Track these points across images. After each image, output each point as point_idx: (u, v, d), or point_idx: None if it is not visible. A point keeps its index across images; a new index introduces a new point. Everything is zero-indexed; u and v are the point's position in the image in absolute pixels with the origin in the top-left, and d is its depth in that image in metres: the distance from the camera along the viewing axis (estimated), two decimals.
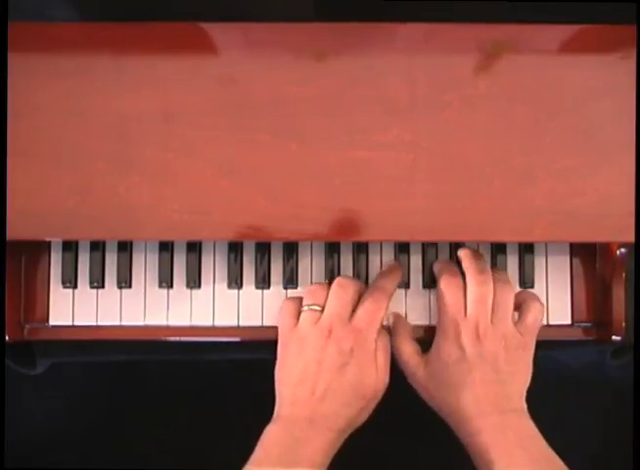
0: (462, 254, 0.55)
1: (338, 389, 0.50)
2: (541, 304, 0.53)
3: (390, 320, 0.56)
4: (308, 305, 0.53)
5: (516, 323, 0.52)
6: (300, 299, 0.54)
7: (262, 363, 0.56)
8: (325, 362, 0.50)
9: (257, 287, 0.57)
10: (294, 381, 0.50)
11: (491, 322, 0.51)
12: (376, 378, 0.51)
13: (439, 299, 0.53)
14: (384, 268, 0.57)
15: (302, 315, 0.53)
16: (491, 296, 0.52)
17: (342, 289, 0.52)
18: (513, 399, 0.50)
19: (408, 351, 0.53)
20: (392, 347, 0.54)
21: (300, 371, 0.50)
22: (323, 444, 0.48)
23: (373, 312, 0.52)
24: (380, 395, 0.52)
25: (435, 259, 0.57)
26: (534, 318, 0.53)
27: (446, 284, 0.53)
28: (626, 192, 0.50)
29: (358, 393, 0.50)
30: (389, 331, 0.55)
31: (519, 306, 0.53)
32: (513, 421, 0.49)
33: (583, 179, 0.51)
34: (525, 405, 0.50)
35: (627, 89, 0.51)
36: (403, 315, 0.56)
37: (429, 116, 0.51)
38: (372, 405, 0.51)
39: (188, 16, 0.52)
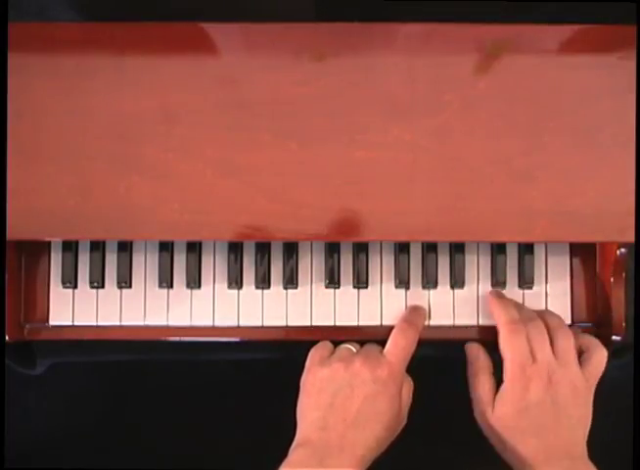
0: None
1: (369, 416, 0.49)
2: (605, 351, 0.53)
3: (470, 352, 0.55)
4: (346, 345, 0.54)
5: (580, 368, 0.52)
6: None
7: (262, 363, 0.56)
8: (358, 388, 0.50)
9: (257, 287, 0.57)
10: (324, 404, 0.50)
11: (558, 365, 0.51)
12: (399, 413, 0.51)
13: (504, 345, 0.52)
14: (409, 307, 0.57)
15: (338, 349, 0.54)
16: (548, 337, 0.52)
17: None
18: (579, 444, 0.50)
19: (485, 386, 0.52)
20: (469, 378, 0.54)
21: (332, 395, 0.50)
22: None
23: (404, 347, 0.52)
24: (399, 430, 0.52)
25: (436, 260, 0.57)
26: (599, 364, 0.52)
27: (512, 329, 0.52)
28: (626, 192, 0.50)
29: (385, 423, 0.50)
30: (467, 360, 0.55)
31: (581, 351, 0.53)
32: (580, 468, 0.49)
33: (583, 179, 0.51)
34: (586, 451, 0.50)
35: (627, 89, 0.51)
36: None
37: (429, 116, 0.51)
38: (391, 439, 0.51)
39: (188, 16, 0.52)
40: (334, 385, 0.50)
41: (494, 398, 0.52)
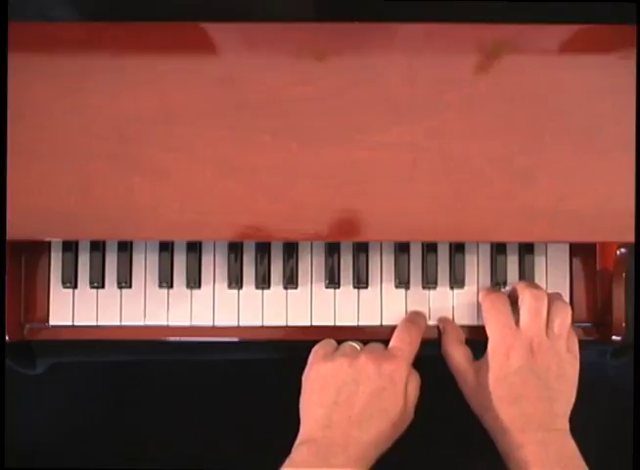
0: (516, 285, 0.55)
1: (375, 413, 0.49)
2: (568, 307, 0.53)
3: (440, 324, 0.56)
4: (350, 342, 0.53)
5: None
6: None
7: (262, 363, 0.56)
8: (364, 384, 0.49)
9: (257, 287, 0.57)
10: (328, 401, 0.49)
11: (547, 337, 0.51)
12: (405, 409, 0.50)
13: (485, 312, 0.53)
14: (410, 312, 0.57)
15: (342, 346, 0.53)
16: (546, 310, 0.51)
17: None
18: (559, 418, 0.50)
19: (458, 355, 0.53)
20: (443, 350, 0.55)
21: (336, 391, 0.49)
22: None
23: (409, 343, 0.52)
24: (405, 427, 0.51)
25: (436, 260, 0.57)
26: (564, 322, 0.52)
27: (490, 298, 0.53)
28: (626, 192, 0.50)
29: (390, 420, 0.49)
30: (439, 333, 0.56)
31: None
32: (556, 440, 0.49)
33: (583, 179, 0.51)
34: (567, 426, 0.50)
35: (627, 89, 0.51)
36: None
37: (429, 116, 0.51)
38: (396, 436, 0.50)
39: (188, 16, 0.52)
40: (338, 381, 0.50)
41: (470, 364, 0.53)
